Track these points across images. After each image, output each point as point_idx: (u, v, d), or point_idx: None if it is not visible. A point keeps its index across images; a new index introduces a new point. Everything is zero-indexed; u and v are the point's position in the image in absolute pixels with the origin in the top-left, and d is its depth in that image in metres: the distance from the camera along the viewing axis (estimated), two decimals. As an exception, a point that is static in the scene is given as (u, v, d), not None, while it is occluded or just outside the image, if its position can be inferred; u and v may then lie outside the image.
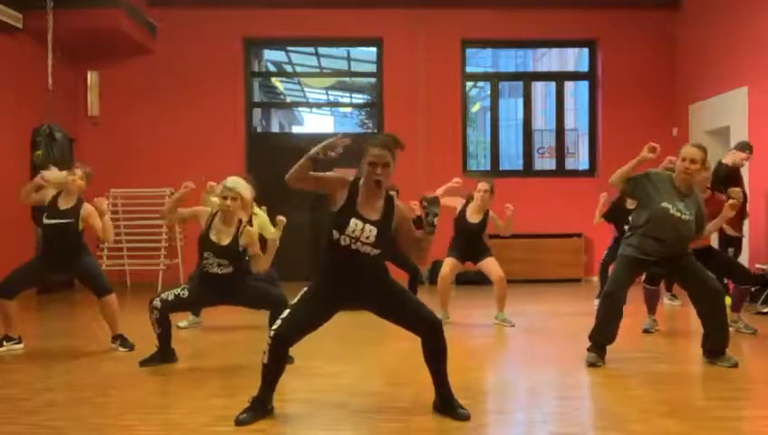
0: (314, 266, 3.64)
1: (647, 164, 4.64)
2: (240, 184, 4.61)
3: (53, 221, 5.13)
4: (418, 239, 3.51)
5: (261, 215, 6.00)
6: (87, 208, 5.23)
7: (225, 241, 4.60)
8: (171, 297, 4.61)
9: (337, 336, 5.39)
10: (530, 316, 6.80)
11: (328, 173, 3.43)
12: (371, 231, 3.39)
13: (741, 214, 6.84)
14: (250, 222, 5.39)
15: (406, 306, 3.54)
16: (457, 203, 6.44)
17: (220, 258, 4.59)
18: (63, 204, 5.18)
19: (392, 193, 3.56)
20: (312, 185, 3.42)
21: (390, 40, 10.34)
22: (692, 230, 4.58)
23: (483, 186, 6.36)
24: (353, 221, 3.38)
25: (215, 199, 4.85)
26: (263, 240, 5.00)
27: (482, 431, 3.34)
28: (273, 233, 5.00)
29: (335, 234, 3.40)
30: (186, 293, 4.66)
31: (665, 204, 4.50)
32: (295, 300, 3.51)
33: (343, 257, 3.42)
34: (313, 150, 3.32)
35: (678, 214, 4.50)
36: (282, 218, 4.88)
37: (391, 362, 4.86)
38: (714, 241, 6.27)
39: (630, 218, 4.87)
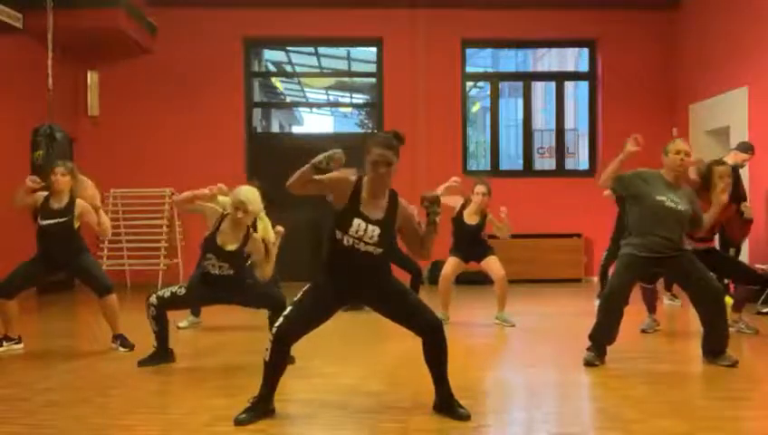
0: (314, 266, 3.63)
1: (630, 162, 4.64)
2: (252, 198, 4.58)
3: (48, 222, 5.13)
4: (422, 238, 3.52)
5: (265, 219, 6.00)
6: (81, 206, 5.22)
7: (231, 247, 4.58)
8: (168, 294, 4.62)
9: (337, 336, 5.40)
10: (530, 316, 6.80)
11: (329, 175, 3.40)
12: (374, 231, 3.39)
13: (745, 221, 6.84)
14: (254, 226, 5.40)
15: (407, 306, 3.54)
16: (456, 202, 6.44)
17: (222, 262, 4.59)
18: (56, 203, 5.17)
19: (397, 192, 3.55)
20: (314, 189, 3.41)
21: (390, 40, 10.34)
22: (685, 220, 4.61)
23: (480, 189, 6.34)
24: (356, 221, 3.38)
25: (225, 199, 4.85)
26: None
27: (482, 431, 3.34)
28: (272, 239, 5.00)
29: (338, 233, 3.40)
30: (183, 290, 4.67)
31: (659, 197, 4.55)
32: (297, 297, 3.51)
33: (346, 257, 3.42)
34: (317, 159, 3.30)
35: (674, 205, 4.55)
36: (280, 229, 4.91)
37: (391, 362, 4.85)
38: (714, 242, 6.25)
39: (626, 221, 4.88)
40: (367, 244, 3.39)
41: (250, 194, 4.60)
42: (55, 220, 5.13)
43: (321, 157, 3.30)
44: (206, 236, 4.65)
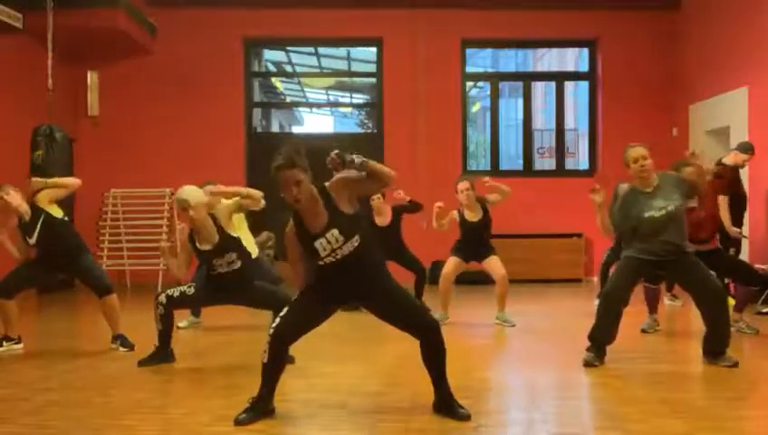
0: (312, 267, 3.64)
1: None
2: (190, 192, 4.56)
3: (34, 234, 5.09)
4: (367, 176, 3.33)
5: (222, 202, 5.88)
6: (40, 196, 5.13)
7: (216, 239, 4.60)
8: (177, 294, 4.64)
9: (337, 336, 5.40)
10: (530, 316, 6.80)
11: (289, 247, 3.56)
12: (334, 233, 3.35)
13: (741, 212, 6.85)
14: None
15: (402, 307, 3.52)
16: (454, 214, 6.42)
17: (222, 256, 4.59)
18: (25, 217, 5.10)
19: (323, 184, 3.44)
20: (303, 261, 3.54)
21: (390, 40, 10.34)
22: (682, 215, 4.59)
23: (462, 186, 6.32)
24: (317, 243, 3.37)
25: (228, 202, 4.87)
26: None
27: (482, 431, 3.33)
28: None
29: (318, 262, 3.43)
30: (192, 290, 4.70)
31: (647, 214, 4.54)
32: (294, 298, 3.53)
33: (336, 270, 3.44)
34: (265, 260, 3.46)
35: (663, 211, 4.51)
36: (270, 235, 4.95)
37: (391, 362, 4.85)
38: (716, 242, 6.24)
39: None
40: (342, 246, 3.37)
41: (187, 189, 4.59)
42: (37, 228, 5.08)
43: (269, 256, 3.48)
44: (197, 255, 4.69)
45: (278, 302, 4.65)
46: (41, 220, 5.09)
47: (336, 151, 3.28)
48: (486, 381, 4.44)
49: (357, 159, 3.27)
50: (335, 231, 3.35)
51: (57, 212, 5.17)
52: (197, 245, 4.63)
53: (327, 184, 3.40)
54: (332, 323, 3.65)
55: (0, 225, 5.22)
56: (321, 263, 3.42)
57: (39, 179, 5.17)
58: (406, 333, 3.54)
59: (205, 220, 4.58)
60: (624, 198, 4.70)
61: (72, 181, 5.23)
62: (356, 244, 3.39)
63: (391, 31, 10.31)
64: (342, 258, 3.39)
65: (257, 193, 4.69)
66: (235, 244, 4.68)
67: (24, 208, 5.08)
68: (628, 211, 4.62)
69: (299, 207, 3.33)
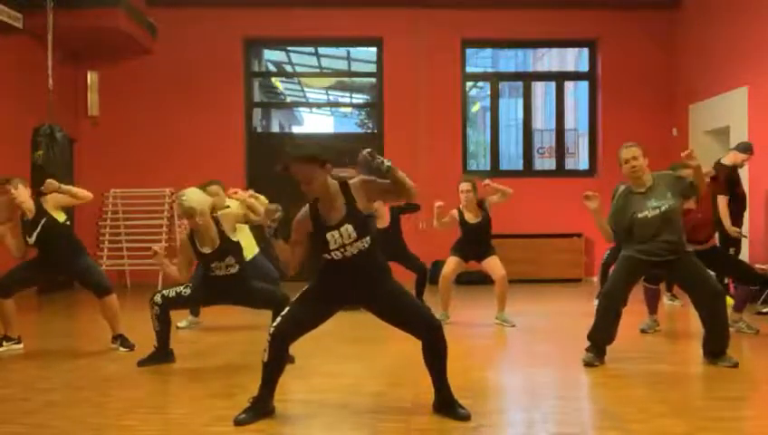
0: (314, 267, 3.64)
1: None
2: (196, 200, 4.54)
3: (35, 233, 5.09)
4: (392, 184, 3.38)
5: (234, 204, 5.89)
6: (48, 198, 5.15)
7: (216, 244, 4.60)
8: (173, 294, 4.63)
9: (337, 336, 5.40)
10: (530, 316, 6.80)
11: (295, 229, 3.53)
12: (348, 229, 3.39)
13: (740, 212, 6.85)
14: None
15: (404, 307, 3.53)
16: (454, 214, 6.43)
17: (220, 260, 4.60)
18: (30, 215, 5.11)
19: (345, 180, 3.51)
20: (303, 247, 3.51)
21: (390, 40, 10.34)
22: (678, 215, 4.59)
23: (464, 186, 6.33)
24: (329, 235, 3.40)
25: (235, 210, 4.87)
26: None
27: (482, 431, 3.33)
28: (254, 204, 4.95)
29: (326, 256, 3.45)
30: (188, 291, 4.69)
31: (641, 214, 4.56)
32: (295, 298, 3.53)
33: (342, 267, 3.45)
34: (268, 232, 3.47)
35: (657, 211, 4.53)
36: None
37: (391, 362, 4.85)
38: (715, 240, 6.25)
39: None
40: (352, 244, 3.40)
41: (193, 196, 4.55)
42: (38, 229, 5.08)
43: (267, 224, 3.48)
44: (197, 257, 4.68)
45: (276, 302, 4.67)
46: (42, 222, 5.09)
47: (368, 150, 3.33)
48: (486, 381, 4.44)
49: (386, 162, 3.31)
50: (349, 227, 3.39)
51: (60, 216, 5.19)
52: (197, 246, 4.63)
53: (350, 182, 3.47)
54: (333, 323, 3.65)
55: (6, 219, 5.20)
56: (327, 257, 3.43)
57: (54, 183, 5.14)
58: (408, 333, 3.55)
59: (208, 225, 4.59)
60: (619, 198, 4.72)
61: (84, 194, 5.26)
62: (366, 245, 3.43)
63: (391, 31, 10.31)
64: (350, 257, 3.41)
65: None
66: (235, 249, 4.68)
67: (28, 206, 5.08)
68: (624, 212, 4.64)
69: (316, 196, 3.41)
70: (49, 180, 5.15)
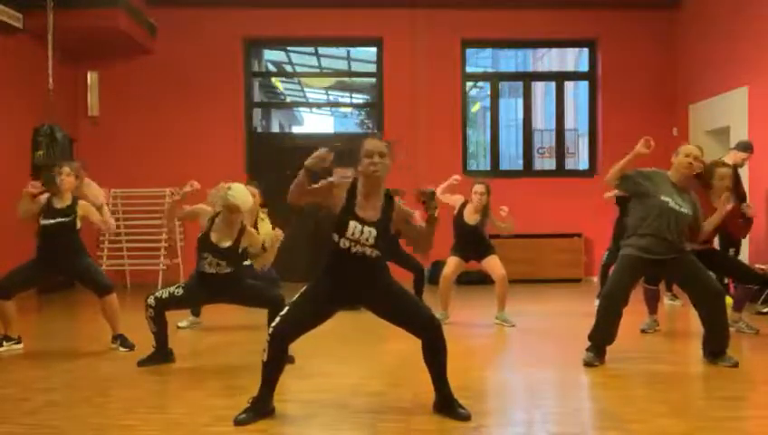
0: (313, 267, 3.64)
1: (640, 161, 4.63)
2: (244, 199, 4.60)
3: (51, 221, 5.12)
4: (423, 234, 3.52)
5: (267, 222, 6.01)
6: (83, 206, 5.24)
7: (226, 243, 4.61)
8: (166, 295, 4.63)
9: (337, 336, 5.40)
10: (530, 316, 6.80)
11: (323, 182, 3.45)
12: (370, 232, 3.40)
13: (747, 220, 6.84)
14: (255, 228, 5.43)
15: (404, 307, 3.53)
16: (456, 201, 6.44)
17: (219, 259, 4.60)
18: (59, 203, 5.18)
19: (396, 196, 3.57)
20: (312, 197, 3.46)
21: (390, 40, 10.34)
22: (686, 221, 4.63)
23: (479, 188, 6.35)
24: (352, 224, 3.39)
25: (267, 234, 4.90)
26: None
27: (482, 431, 3.34)
28: (271, 241, 5.04)
29: (335, 237, 3.42)
30: (180, 291, 4.68)
31: (664, 198, 4.56)
32: (295, 298, 3.52)
33: (343, 260, 3.44)
34: (308, 162, 3.36)
35: (677, 206, 4.57)
36: (279, 232, 4.97)
37: (391, 362, 4.86)
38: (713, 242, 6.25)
39: (626, 221, 4.88)
40: (363, 245, 3.40)
41: (242, 195, 4.60)
42: (57, 220, 5.13)
43: (308, 161, 3.35)
44: (200, 236, 4.67)
45: (271, 301, 4.67)
46: (61, 217, 5.13)
47: (431, 191, 3.39)
48: (486, 381, 4.44)
49: (434, 212, 3.38)
50: (373, 231, 3.40)
51: (79, 223, 5.25)
52: (210, 231, 4.62)
53: (397, 199, 3.53)
54: (333, 323, 3.65)
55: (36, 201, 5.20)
56: (338, 243, 3.41)
57: (101, 194, 5.42)
58: (407, 332, 3.55)
59: (238, 224, 4.62)
60: (657, 173, 4.70)
61: (111, 226, 5.44)
62: (374, 254, 3.44)
63: (391, 31, 10.30)
64: (356, 254, 3.41)
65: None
66: (236, 256, 4.69)
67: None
68: (649, 182, 4.62)
69: (375, 177, 3.37)
70: (97, 188, 5.42)
